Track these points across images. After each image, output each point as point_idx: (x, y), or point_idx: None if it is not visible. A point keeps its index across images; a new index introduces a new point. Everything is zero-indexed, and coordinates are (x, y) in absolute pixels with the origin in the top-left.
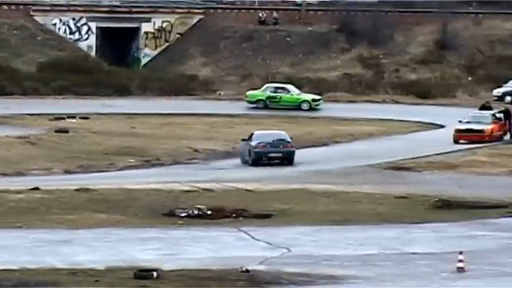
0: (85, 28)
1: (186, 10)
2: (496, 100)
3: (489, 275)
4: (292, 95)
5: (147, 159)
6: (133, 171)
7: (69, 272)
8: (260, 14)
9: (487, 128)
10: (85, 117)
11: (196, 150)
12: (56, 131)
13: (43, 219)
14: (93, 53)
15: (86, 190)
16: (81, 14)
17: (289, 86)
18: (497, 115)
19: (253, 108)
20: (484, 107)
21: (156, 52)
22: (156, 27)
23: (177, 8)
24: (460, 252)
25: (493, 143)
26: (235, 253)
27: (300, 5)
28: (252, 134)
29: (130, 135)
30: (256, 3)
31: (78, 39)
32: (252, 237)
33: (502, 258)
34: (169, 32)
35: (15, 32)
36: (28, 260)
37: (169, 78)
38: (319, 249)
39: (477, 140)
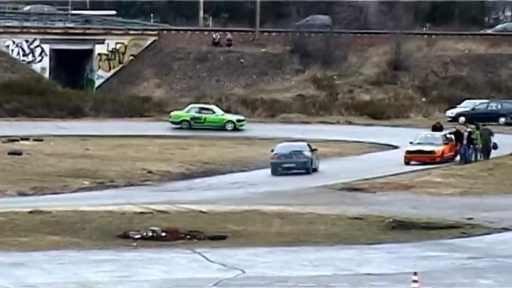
0: (38, 50)
1: (140, 32)
2: (449, 121)
3: None
4: (216, 115)
5: (101, 181)
6: (87, 193)
7: None
8: (214, 36)
9: (438, 149)
10: (38, 139)
11: (150, 172)
12: (9, 153)
13: None
14: (46, 75)
15: (40, 212)
16: (34, 36)
17: (214, 107)
18: (448, 136)
19: (176, 128)
20: (436, 128)
21: (109, 74)
22: (109, 48)
23: (130, 29)
24: (415, 273)
25: (446, 164)
26: (189, 275)
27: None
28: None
29: (84, 157)
30: (210, 24)
31: (31, 61)
32: (207, 259)
33: (456, 279)
34: (123, 53)
35: None
36: None
37: (123, 100)
38: (274, 271)
39: (428, 162)
